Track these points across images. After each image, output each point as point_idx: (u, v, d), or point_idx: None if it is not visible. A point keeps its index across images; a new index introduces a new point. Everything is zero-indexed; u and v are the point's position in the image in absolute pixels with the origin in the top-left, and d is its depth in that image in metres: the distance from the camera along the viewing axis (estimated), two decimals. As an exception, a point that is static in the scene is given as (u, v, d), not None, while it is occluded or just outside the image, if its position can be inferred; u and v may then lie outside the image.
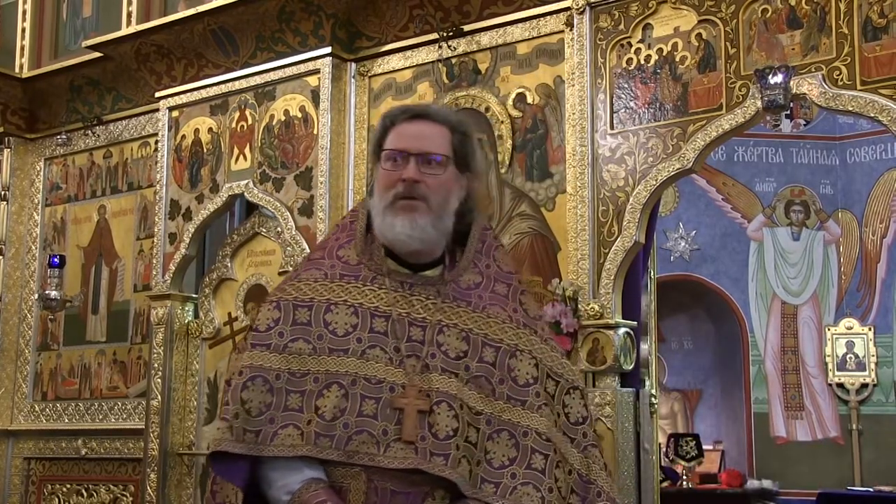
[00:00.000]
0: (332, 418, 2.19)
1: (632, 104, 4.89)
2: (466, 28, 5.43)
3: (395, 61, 5.70)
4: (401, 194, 2.27)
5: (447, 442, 2.17)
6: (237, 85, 6.12)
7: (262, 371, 2.25)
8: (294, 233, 5.73)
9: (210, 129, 6.24)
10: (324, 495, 2.16)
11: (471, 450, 2.19)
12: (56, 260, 6.76)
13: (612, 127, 4.92)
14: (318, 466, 2.21)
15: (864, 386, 8.93)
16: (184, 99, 6.36)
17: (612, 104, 4.94)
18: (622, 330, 4.78)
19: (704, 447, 8.33)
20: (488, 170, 5.22)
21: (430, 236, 2.29)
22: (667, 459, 8.24)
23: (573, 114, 5.01)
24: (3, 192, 7.33)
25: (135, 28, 6.50)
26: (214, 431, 2.27)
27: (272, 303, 2.35)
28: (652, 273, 5.33)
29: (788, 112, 8.20)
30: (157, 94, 6.47)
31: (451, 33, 5.46)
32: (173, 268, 6.22)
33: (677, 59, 4.81)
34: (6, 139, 7.33)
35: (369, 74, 5.78)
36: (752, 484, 8.52)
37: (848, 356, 8.96)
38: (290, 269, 5.80)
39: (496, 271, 2.40)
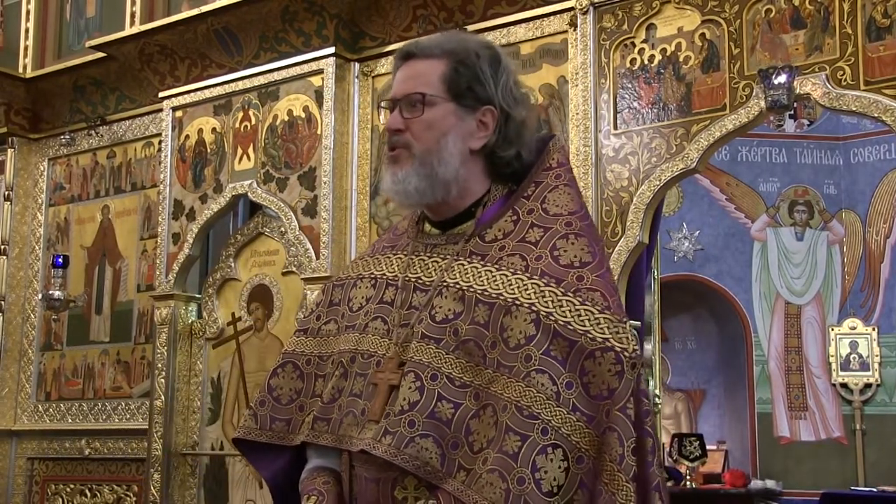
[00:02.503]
0: (329, 400, 2.01)
1: (635, 104, 4.89)
2: (470, 28, 5.42)
3: (398, 61, 5.70)
4: (388, 146, 2.03)
5: (398, 418, 1.85)
6: (241, 85, 6.12)
7: (294, 357, 2.13)
8: (297, 233, 5.72)
9: (213, 130, 6.24)
10: (314, 485, 2.02)
11: (441, 428, 1.83)
12: (59, 260, 6.77)
13: (615, 127, 4.92)
14: (330, 453, 2.05)
15: (868, 386, 8.91)
16: (187, 99, 6.36)
17: (615, 104, 4.93)
18: (626, 330, 4.77)
19: (708, 447, 8.30)
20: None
21: (416, 186, 1.96)
22: (670, 459, 8.22)
23: (577, 114, 5.01)
24: (6, 193, 7.33)
25: (138, 28, 6.51)
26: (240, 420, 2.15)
27: (324, 285, 2.22)
28: (655, 273, 5.34)
29: (792, 112, 8.18)
30: (161, 95, 6.47)
31: (454, 33, 5.46)
32: (177, 268, 6.22)
33: (681, 59, 4.81)
34: (10, 139, 7.34)
35: (373, 74, 5.78)
36: (756, 484, 8.50)
37: (851, 356, 8.94)
38: (294, 269, 5.82)
39: (538, 215, 1.97)
